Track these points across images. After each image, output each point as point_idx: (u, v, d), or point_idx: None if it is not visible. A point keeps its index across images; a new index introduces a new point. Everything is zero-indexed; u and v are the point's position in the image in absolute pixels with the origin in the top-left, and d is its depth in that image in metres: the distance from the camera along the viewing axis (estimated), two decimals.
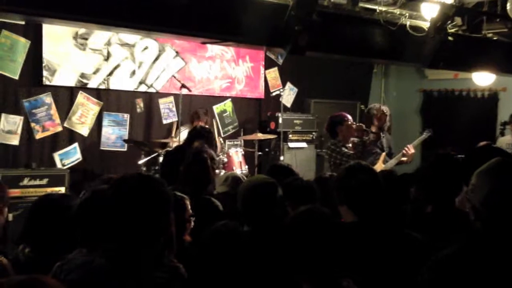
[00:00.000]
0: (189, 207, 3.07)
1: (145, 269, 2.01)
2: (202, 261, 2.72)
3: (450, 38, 5.57)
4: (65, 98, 7.17)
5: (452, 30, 5.81)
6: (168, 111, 8.04)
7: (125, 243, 2.01)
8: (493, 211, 1.94)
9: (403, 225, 2.83)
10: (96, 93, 7.40)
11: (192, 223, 3.05)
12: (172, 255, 2.44)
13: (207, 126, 6.44)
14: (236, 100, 8.77)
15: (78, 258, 2.07)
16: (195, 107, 7.74)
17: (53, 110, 7.05)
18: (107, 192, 2.13)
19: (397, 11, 5.55)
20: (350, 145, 5.74)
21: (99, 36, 7.24)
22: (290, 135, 8.47)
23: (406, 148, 6.03)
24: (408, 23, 5.59)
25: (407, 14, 5.62)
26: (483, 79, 8.02)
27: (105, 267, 1.97)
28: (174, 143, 7.09)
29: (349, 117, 5.95)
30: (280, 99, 8.32)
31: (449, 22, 5.53)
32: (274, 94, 8.69)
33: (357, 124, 5.98)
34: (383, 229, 2.65)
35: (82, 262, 2.03)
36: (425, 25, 5.62)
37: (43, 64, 6.86)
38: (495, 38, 6.51)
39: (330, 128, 5.95)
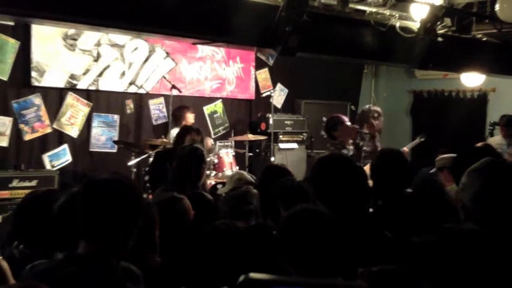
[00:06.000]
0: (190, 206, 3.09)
1: (113, 276, 1.93)
2: (204, 259, 2.68)
3: (439, 39, 5.60)
4: (55, 99, 7.12)
5: (442, 31, 5.85)
6: (158, 112, 8.01)
7: (92, 248, 1.92)
8: (482, 208, 1.94)
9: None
10: (86, 94, 7.35)
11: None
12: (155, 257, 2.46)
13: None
14: (226, 101, 8.76)
15: (43, 263, 2.01)
16: None
17: (43, 111, 7.00)
18: (71, 195, 2.05)
19: (387, 12, 5.58)
20: (351, 147, 5.73)
21: (89, 36, 7.19)
22: (280, 136, 8.46)
23: None
24: (398, 24, 5.61)
25: (397, 15, 5.65)
26: (472, 79, 8.06)
27: (70, 273, 1.88)
28: (165, 144, 7.05)
29: (345, 118, 5.92)
30: (271, 100, 8.32)
31: (439, 23, 5.57)
32: (264, 95, 8.69)
33: (352, 125, 5.95)
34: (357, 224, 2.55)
35: (45, 268, 1.95)
36: (415, 26, 5.65)
37: (32, 65, 6.80)
38: (484, 39, 6.56)
39: (327, 132, 5.93)
